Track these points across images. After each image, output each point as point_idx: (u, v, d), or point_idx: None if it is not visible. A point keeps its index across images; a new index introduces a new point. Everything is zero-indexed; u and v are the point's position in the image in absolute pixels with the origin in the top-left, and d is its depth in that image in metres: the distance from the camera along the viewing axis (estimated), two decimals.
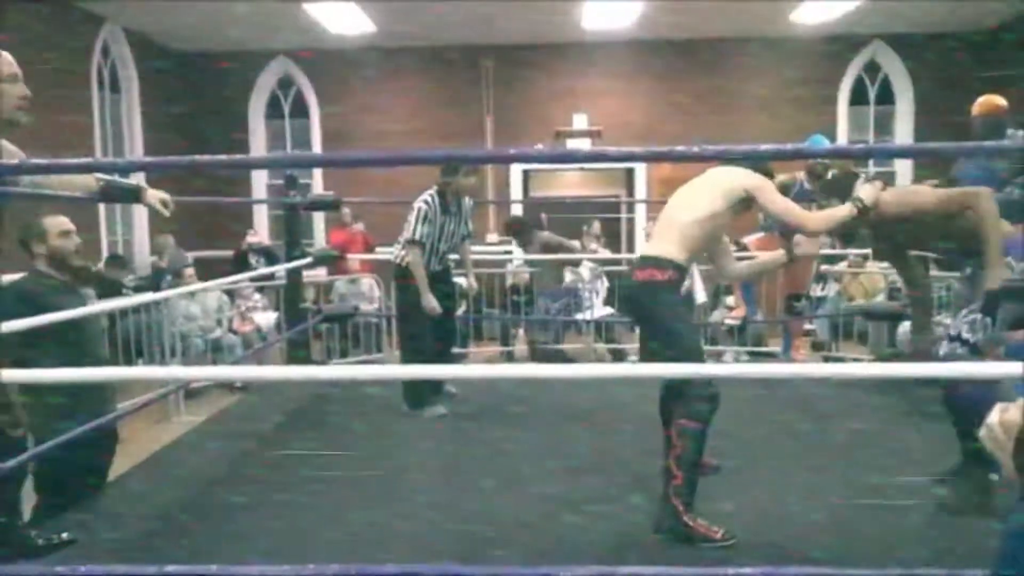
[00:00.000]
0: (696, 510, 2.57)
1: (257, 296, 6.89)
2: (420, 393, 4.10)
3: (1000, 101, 4.49)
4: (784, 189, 5.09)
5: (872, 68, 9.05)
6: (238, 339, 6.50)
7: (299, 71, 9.18)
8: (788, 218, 2.72)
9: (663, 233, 2.73)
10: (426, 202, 4.11)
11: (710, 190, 2.74)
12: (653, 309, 2.65)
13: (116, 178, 2.78)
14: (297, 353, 5.27)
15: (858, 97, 9.13)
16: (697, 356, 2.64)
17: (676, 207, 2.78)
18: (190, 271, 6.59)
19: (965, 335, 2.69)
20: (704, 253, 2.91)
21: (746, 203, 2.71)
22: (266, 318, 6.71)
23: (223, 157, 1.60)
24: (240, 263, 7.46)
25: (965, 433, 2.66)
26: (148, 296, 4.43)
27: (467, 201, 4.31)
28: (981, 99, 4.54)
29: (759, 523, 2.69)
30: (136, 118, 8.09)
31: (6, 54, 2.34)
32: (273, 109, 9.37)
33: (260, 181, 9.23)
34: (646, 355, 2.86)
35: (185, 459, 3.58)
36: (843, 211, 2.77)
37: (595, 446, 3.55)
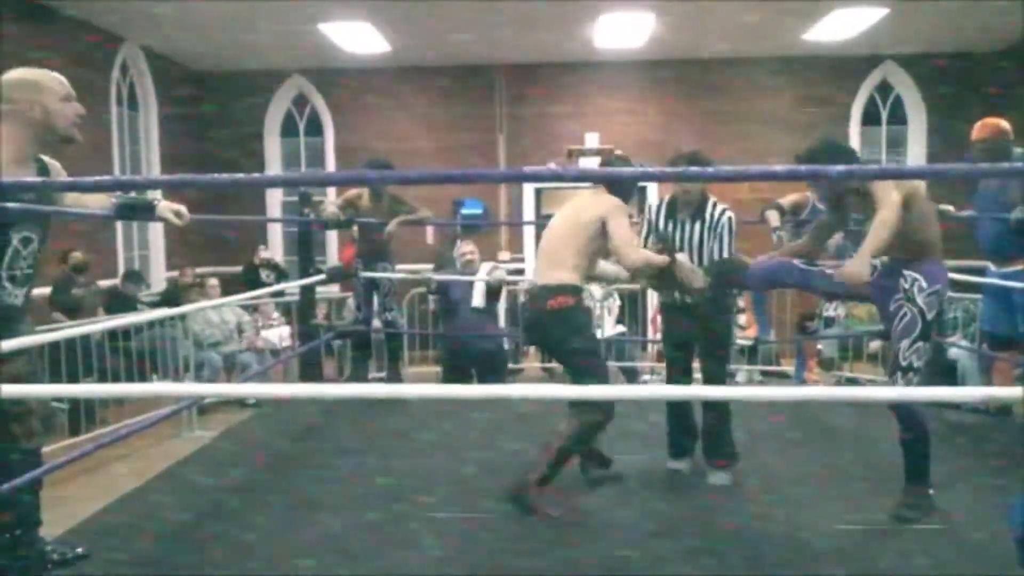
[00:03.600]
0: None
1: (276, 315, 6.94)
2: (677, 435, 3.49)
3: (1002, 124, 4.08)
4: (796, 208, 5.10)
5: (884, 88, 9.05)
6: (253, 356, 6.54)
7: (314, 89, 9.28)
8: (619, 245, 2.97)
9: (556, 262, 3.00)
10: (649, 207, 3.60)
11: (574, 223, 3.03)
12: (570, 333, 2.96)
13: (131, 194, 2.80)
14: (309, 370, 5.29)
15: (870, 117, 9.12)
16: (605, 372, 3.15)
17: (556, 238, 3.06)
18: (213, 282, 6.65)
19: (916, 364, 2.74)
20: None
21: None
22: (278, 333, 6.75)
23: (240, 176, 1.63)
24: (251, 278, 7.52)
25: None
26: (164, 311, 4.47)
27: (716, 210, 3.39)
28: (980, 123, 4.12)
29: (769, 541, 2.67)
30: (153, 135, 8.20)
31: (59, 75, 2.47)
32: (288, 127, 9.47)
33: (275, 198, 9.31)
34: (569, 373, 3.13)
35: (196, 475, 3.59)
36: (658, 259, 3.02)
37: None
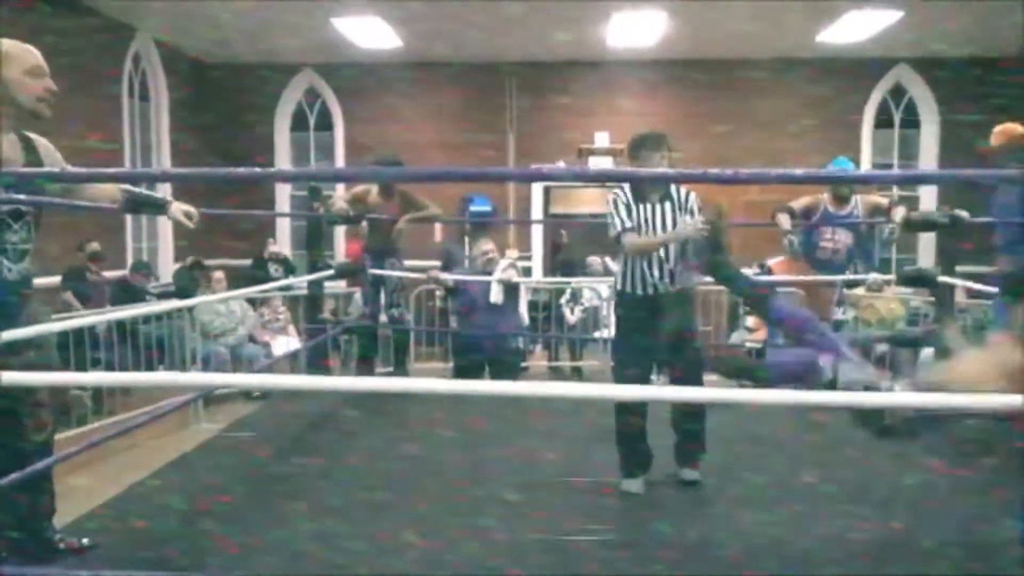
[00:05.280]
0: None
1: (283, 308, 6.93)
2: (626, 459, 3.31)
3: (1020, 129, 4.06)
4: (808, 211, 5.07)
5: (897, 91, 9.01)
6: (260, 349, 6.54)
7: (325, 84, 9.28)
8: None
9: None
10: (615, 191, 3.37)
11: None
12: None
13: (142, 190, 2.80)
14: (315, 364, 5.30)
15: (883, 120, 9.08)
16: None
17: None
18: (219, 275, 6.65)
19: None
20: None
21: None
22: (285, 342, 6.71)
23: (256, 170, 1.63)
24: (259, 272, 7.54)
25: None
26: (172, 303, 4.47)
27: (680, 192, 3.35)
28: (999, 128, 4.12)
29: (772, 546, 2.66)
30: (164, 127, 8.21)
31: (32, 48, 2.38)
32: (298, 120, 9.48)
33: (284, 191, 9.32)
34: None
35: (202, 467, 3.60)
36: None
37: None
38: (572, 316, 7.15)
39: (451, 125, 9.10)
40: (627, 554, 2.65)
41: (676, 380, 3.34)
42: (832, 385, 2.51)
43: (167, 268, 8.03)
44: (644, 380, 3.32)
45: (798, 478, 3.39)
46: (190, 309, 5.50)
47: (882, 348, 6.65)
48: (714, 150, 8.49)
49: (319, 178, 5.90)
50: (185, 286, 6.68)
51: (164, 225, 8.17)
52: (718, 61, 8.71)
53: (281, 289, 6.61)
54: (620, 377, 3.38)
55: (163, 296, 6.54)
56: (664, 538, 2.77)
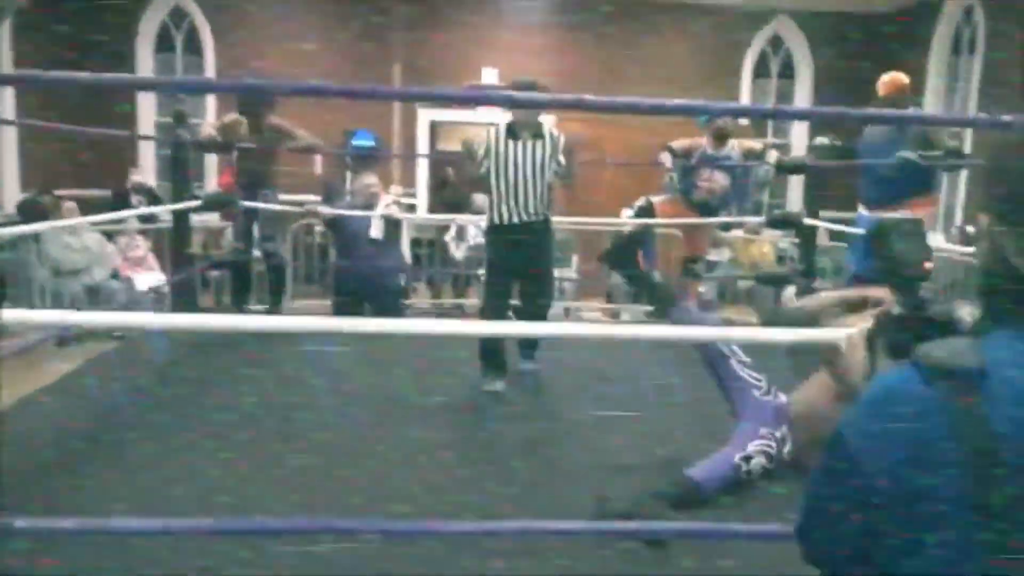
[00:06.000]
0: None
1: (139, 240, 6.45)
2: (489, 359, 3.69)
3: (904, 79, 4.39)
4: (687, 152, 5.16)
5: (776, 42, 9.29)
6: (120, 285, 6.10)
7: (193, 3, 8.59)
8: None
9: None
10: (488, 130, 3.73)
11: None
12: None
13: None
14: (182, 302, 4.98)
15: (761, 70, 9.36)
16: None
17: None
18: (70, 204, 6.10)
19: None
20: None
21: None
22: (150, 279, 6.26)
23: (107, 75, 1.43)
24: (121, 203, 7.00)
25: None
26: (17, 229, 4.05)
27: (552, 133, 3.75)
28: (886, 78, 4.38)
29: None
30: (3, 44, 7.34)
31: None
32: (163, 42, 8.75)
33: (147, 119, 8.64)
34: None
35: (52, 407, 3.33)
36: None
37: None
38: (457, 252, 7.08)
39: (333, 56, 8.66)
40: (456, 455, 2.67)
41: (524, 297, 3.76)
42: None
43: (11, 198, 7.31)
44: (507, 301, 3.75)
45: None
46: (37, 240, 5.02)
47: (747, 284, 7.04)
48: (600, 92, 8.48)
49: (184, 88, 5.44)
50: (31, 218, 6.09)
51: (8, 150, 7.40)
52: (609, 1, 8.68)
53: (143, 220, 6.14)
54: (487, 300, 3.77)
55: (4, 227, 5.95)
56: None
